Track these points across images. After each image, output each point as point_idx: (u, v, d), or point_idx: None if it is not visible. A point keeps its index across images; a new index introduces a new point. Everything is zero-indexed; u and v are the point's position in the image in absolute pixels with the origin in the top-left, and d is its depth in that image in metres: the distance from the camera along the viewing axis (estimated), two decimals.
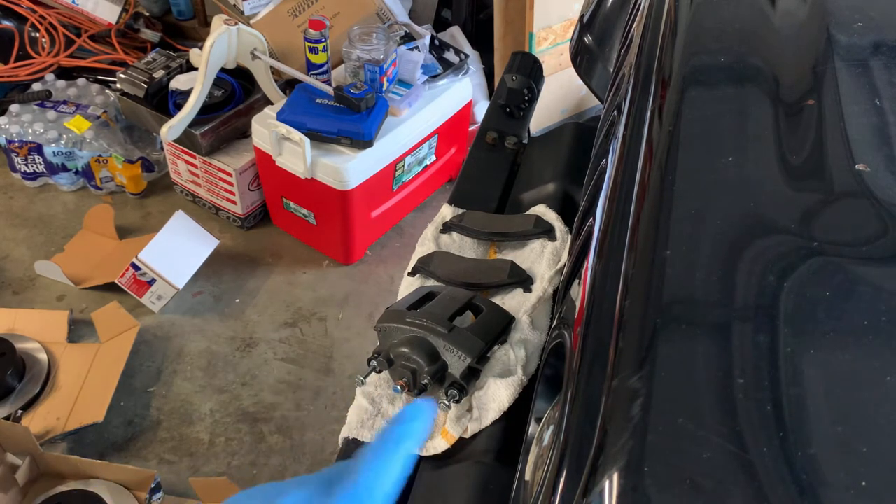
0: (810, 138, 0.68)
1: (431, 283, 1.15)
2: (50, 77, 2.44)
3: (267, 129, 1.94)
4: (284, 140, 1.92)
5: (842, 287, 0.56)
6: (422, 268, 1.17)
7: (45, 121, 2.27)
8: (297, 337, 1.97)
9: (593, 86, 1.45)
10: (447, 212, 1.29)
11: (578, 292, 0.77)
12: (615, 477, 0.47)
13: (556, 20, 2.29)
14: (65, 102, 2.34)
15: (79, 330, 1.94)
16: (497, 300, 1.11)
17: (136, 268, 1.95)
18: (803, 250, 0.59)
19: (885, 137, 0.68)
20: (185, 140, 2.06)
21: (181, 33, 2.67)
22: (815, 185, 0.66)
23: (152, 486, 1.54)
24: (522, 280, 1.12)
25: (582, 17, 1.49)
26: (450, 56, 2.19)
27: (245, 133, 2.12)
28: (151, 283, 1.98)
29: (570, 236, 1.15)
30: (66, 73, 2.50)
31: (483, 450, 0.93)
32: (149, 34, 2.54)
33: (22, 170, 2.33)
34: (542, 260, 1.15)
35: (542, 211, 1.23)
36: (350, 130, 1.88)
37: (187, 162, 2.18)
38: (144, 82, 2.13)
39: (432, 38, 2.20)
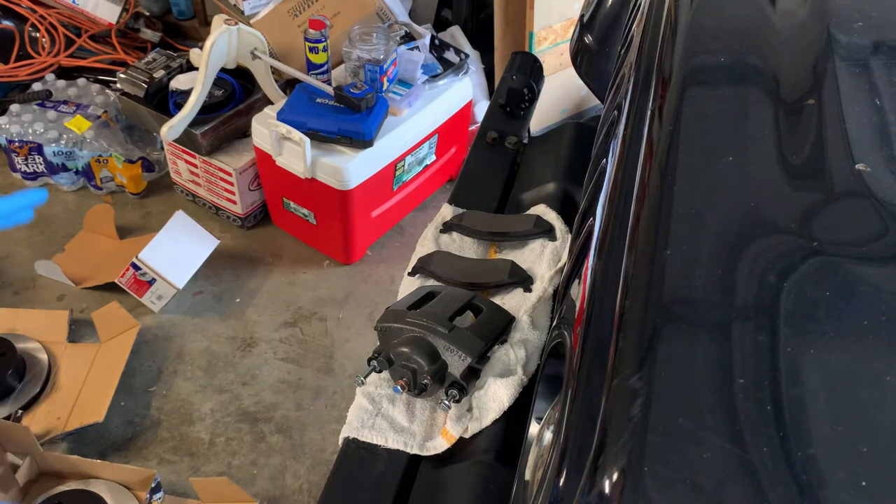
0: (810, 138, 0.68)
1: (431, 282, 1.15)
2: (50, 77, 2.44)
3: (267, 128, 1.94)
4: (284, 140, 1.92)
5: (842, 287, 0.56)
6: (422, 268, 1.17)
7: (45, 121, 2.27)
8: (298, 337, 1.97)
9: (593, 86, 1.45)
10: (447, 212, 1.29)
11: (578, 292, 0.77)
12: (615, 477, 0.47)
13: (556, 20, 2.29)
14: (65, 102, 2.34)
15: (79, 330, 1.94)
16: (497, 300, 1.11)
17: (136, 268, 1.95)
18: (803, 250, 0.59)
19: (885, 137, 0.68)
20: (186, 140, 2.06)
21: (181, 33, 2.66)
22: (816, 185, 0.66)
23: (152, 485, 1.54)
24: (522, 280, 1.12)
25: (582, 16, 1.50)
26: (450, 56, 2.19)
27: (245, 133, 2.12)
28: (151, 282, 1.98)
29: (570, 236, 1.15)
30: (66, 73, 2.50)
31: (483, 450, 0.93)
32: (149, 34, 2.54)
33: (22, 170, 2.33)
34: (542, 260, 1.15)
35: (542, 211, 1.23)
36: (350, 130, 1.88)
37: (187, 162, 2.18)
38: (144, 82, 2.13)
39: (432, 38, 2.20)
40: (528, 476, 0.81)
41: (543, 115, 2.43)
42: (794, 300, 0.54)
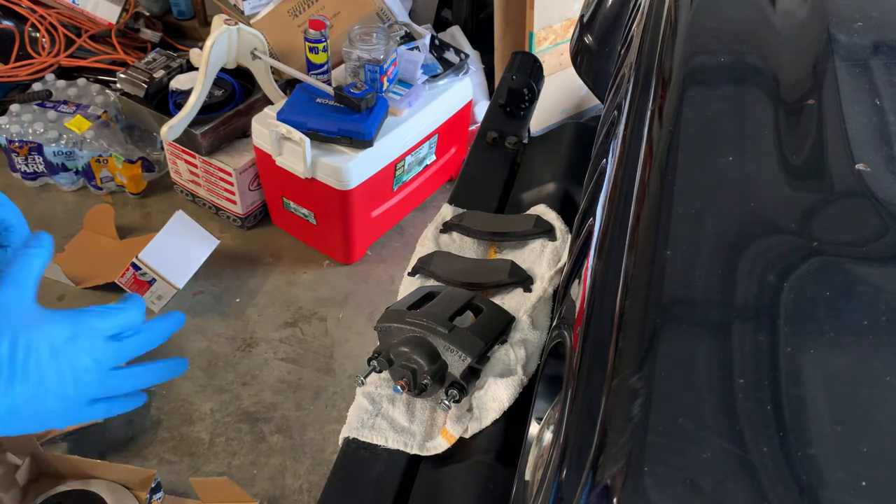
0: (810, 138, 0.68)
1: (431, 282, 1.15)
2: (50, 77, 2.44)
3: (267, 128, 1.94)
4: (284, 140, 1.92)
5: (842, 287, 0.56)
6: (422, 268, 1.17)
7: (45, 121, 2.27)
8: (298, 337, 1.97)
9: (593, 86, 1.45)
10: (447, 211, 1.29)
11: (578, 292, 0.77)
12: (615, 477, 0.47)
13: (556, 20, 2.29)
14: (65, 102, 2.34)
15: None
16: (497, 300, 1.11)
17: (136, 268, 1.95)
18: (803, 250, 0.59)
19: (885, 137, 0.68)
20: (186, 140, 2.06)
21: (181, 33, 2.66)
22: (815, 184, 0.66)
23: (152, 485, 1.54)
24: (522, 280, 1.12)
25: (582, 17, 1.50)
26: (450, 56, 2.19)
27: (245, 133, 2.12)
28: (151, 282, 1.98)
29: (570, 236, 1.15)
30: (66, 73, 2.50)
31: (483, 450, 0.93)
32: (149, 34, 2.54)
33: (22, 170, 2.33)
34: (542, 260, 1.15)
35: (542, 211, 1.23)
36: (350, 130, 1.88)
37: (187, 162, 2.18)
38: (144, 82, 2.13)
39: (432, 38, 2.20)
40: (528, 476, 0.81)
41: (543, 115, 2.43)
42: (794, 300, 0.54)
